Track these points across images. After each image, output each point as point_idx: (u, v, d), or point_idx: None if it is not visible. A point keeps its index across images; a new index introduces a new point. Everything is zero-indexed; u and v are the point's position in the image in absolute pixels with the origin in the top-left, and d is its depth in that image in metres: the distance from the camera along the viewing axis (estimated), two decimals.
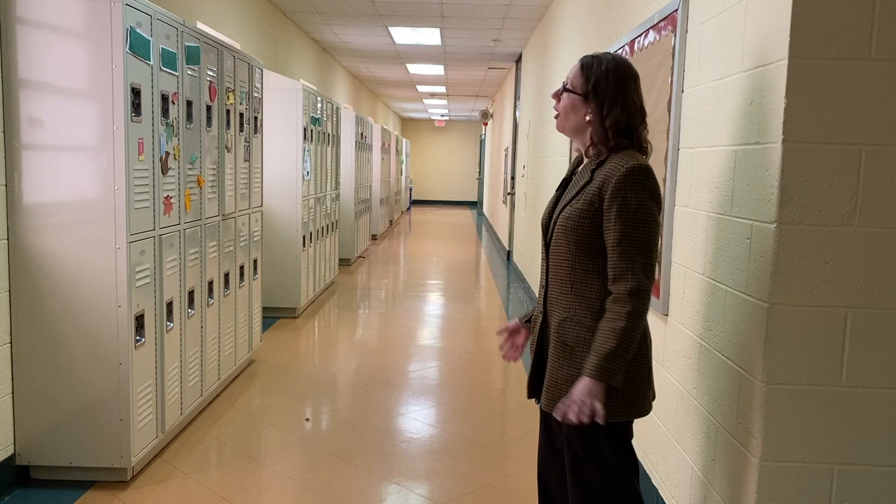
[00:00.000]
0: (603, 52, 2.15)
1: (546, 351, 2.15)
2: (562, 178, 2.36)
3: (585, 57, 2.12)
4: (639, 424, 3.11)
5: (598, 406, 1.90)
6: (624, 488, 2.08)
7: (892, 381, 1.98)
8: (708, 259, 2.47)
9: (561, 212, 2.08)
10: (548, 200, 2.34)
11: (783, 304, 1.98)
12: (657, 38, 3.17)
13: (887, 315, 1.97)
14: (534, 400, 2.29)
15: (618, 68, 2.06)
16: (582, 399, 1.90)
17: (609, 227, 1.97)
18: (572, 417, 1.91)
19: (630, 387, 2.02)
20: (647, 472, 3.13)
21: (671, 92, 2.93)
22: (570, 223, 2.03)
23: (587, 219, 2.00)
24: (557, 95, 2.14)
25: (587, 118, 2.07)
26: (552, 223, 2.13)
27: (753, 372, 2.06)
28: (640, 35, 3.45)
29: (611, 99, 2.04)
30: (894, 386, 1.98)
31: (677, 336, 2.79)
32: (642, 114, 2.08)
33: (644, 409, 2.07)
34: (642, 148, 2.08)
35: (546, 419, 2.26)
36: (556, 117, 2.16)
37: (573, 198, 2.06)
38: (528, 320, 2.34)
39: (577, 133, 2.12)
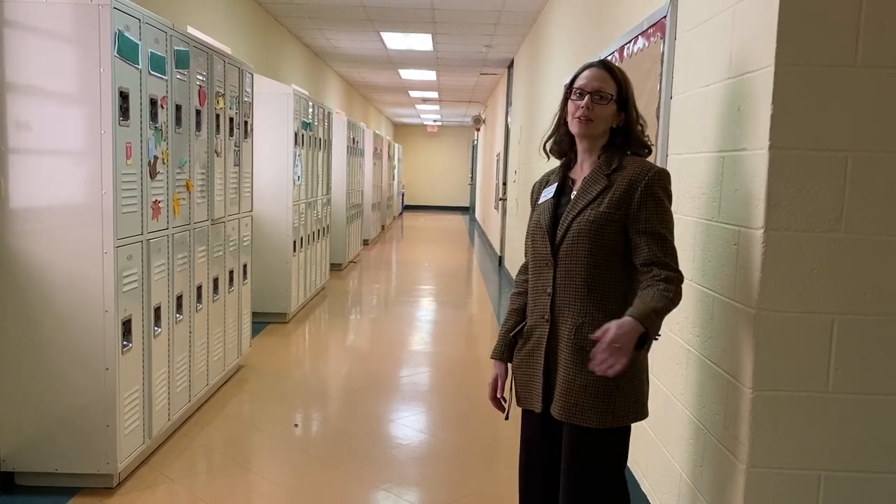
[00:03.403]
0: (596, 59, 2.18)
1: (554, 358, 2.09)
2: (543, 183, 2.28)
3: (605, 62, 2.12)
4: None
5: (624, 361, 1.84)
6: (621, 497, 2.09)
7: (879, 387, 1.99)
8: (696, 265, 2.47)
9: (577, 216, 2.03)
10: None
11: (770, 311, 1.98)
12: (646, 44, 3.18)
13: (873, 321, 1.97)
14: (517, 408, 2.22)
15: (626, 74, 2.12)
16: (618, 344, 1.83)
17: (643, 222, 1.99)
18: (601, 363, 1.84)
19: (643, 385, 2.08)
20: (636, 478, 3.13)
21: (660, 98, 2.93)
22: (595, 226, 2.00)
23: (614, 221, 2.00)
24: (594, 102, 2.03)
25: (615, 124, 2.08)
26: (565, 229, 2.05)
27: (741, 378, 2.06)
28: (629, 41, 3.46)
29: (633, 104, 2.10)
30: (880, 392, 1.99)
31: (665, 342, 2.78)
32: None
33: (647, 410, 2.11)
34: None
35: (545, 426, 2.15)
36: (585, 122, 2.05)
37: (591, 202, 2.03)
38: (510, 347, 2.23)
39: (596, 139, 2.09)
